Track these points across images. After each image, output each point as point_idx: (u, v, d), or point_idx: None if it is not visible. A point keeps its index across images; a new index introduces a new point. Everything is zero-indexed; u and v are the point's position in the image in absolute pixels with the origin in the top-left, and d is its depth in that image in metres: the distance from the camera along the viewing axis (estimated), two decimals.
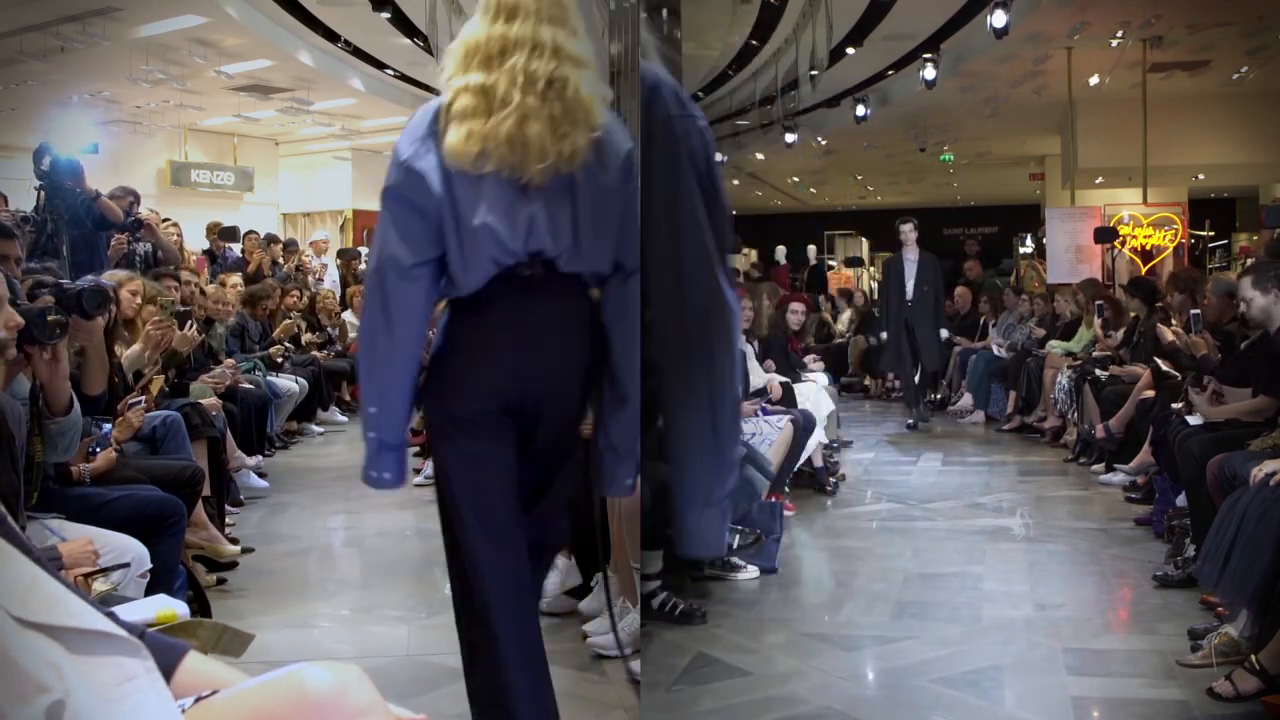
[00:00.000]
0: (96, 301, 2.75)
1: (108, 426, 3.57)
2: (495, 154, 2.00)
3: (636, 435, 2.20)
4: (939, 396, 9.37)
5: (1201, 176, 13.23)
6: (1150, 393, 5.66)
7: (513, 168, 2.01)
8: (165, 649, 1.45)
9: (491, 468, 2.11)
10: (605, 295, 2.15)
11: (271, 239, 10.16)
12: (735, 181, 17.51)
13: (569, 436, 2.24)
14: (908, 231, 8.13)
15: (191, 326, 5.00)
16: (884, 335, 8.48)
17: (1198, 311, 4.94)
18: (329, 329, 8.83)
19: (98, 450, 3.39)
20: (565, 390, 2.16)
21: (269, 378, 6.78)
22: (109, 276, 4.44)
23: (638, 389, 2.16)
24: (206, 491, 4.15)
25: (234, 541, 4.35)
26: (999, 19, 8.39)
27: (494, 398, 2.09)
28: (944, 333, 8.36)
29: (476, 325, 2.10)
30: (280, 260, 9.68)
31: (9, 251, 3.37)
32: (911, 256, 8.14)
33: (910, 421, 8.22)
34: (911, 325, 8.06)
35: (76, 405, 2.85)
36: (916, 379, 8.32)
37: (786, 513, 4.93)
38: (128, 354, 4.24)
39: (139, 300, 4.58)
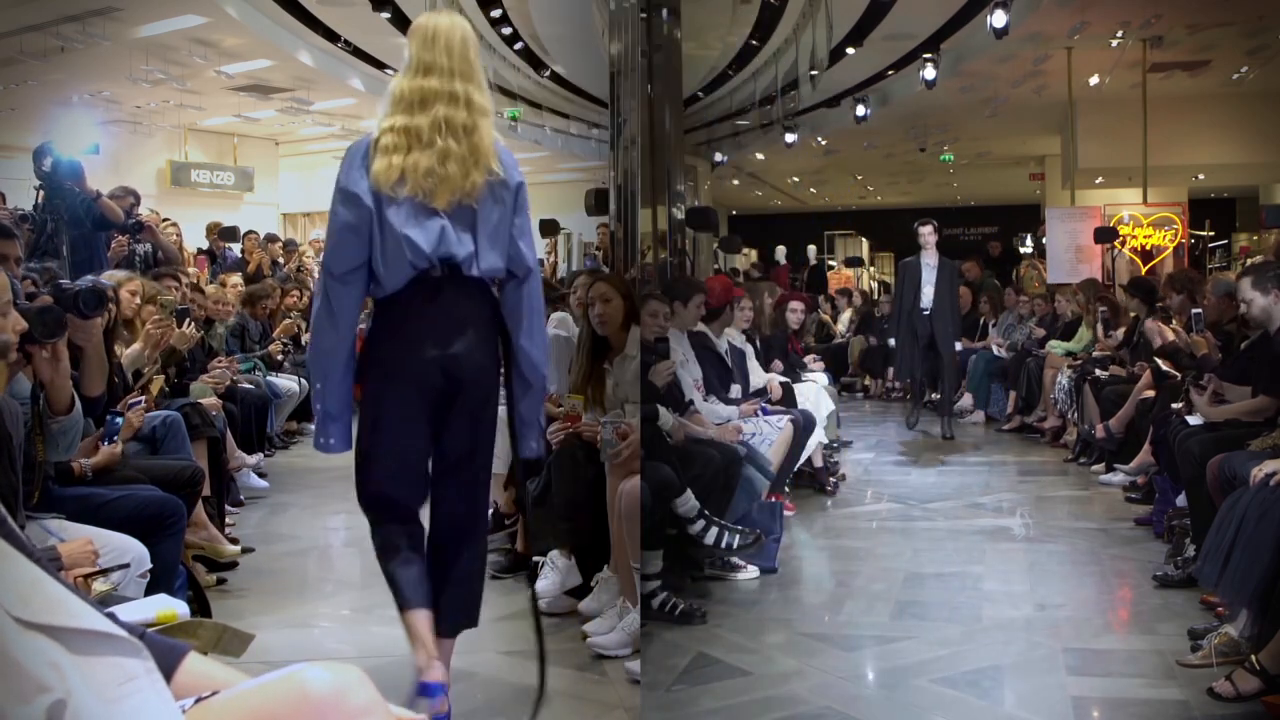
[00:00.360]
0: (93, 302, 2.74)
1: (120, 420, 3.57)
2: (412, 180, 2.49)
3: (540, 409, 2.79)
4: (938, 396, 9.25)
5: (1201, 176, 13.23)
6: (1150, 393, 5.66)
7: (426, 193, 2.50)
8: (165, 649, 1.45)
9: (416, 440, 2.63)
10: (501, 295, 2.68)
11: (271, 238, 10.16)
12: (735, 181, 17.52)
13: (489, 404, 2.69)
14: (927, 234, 7.41)
15: (190, 324, 5.03)
16: (891, 342, 7.92)
17: (1199, 311, 4.95)
18: None
19: (111, 442, 3.41)
20: (480, 364, 2.62)
21: (269, 377, 6.77)
22: (108, 277, 4.43)
23: (541, 373, 2.69)
24: (206, 491, 4.14)
25: (234, 541, 4.34)
26: (999, 19, 8.40)
27: (415, 373, 2.57)
28: (958, 345, 7.75)
29: (400, 317, 2.58)
30: (280, 260, 9.67)
31: (9, 251, 3.35)
32: (930, 261, 7.44)
33: (911, 420, 7.98)
34: (930, 335, 7.44)
35: (78, 404, 2.85)
36: (935, 394, 7.91)
37: (786, 513, 4.93)
38: (128, 353, 4.24)
39: (138, 300, 4.58)
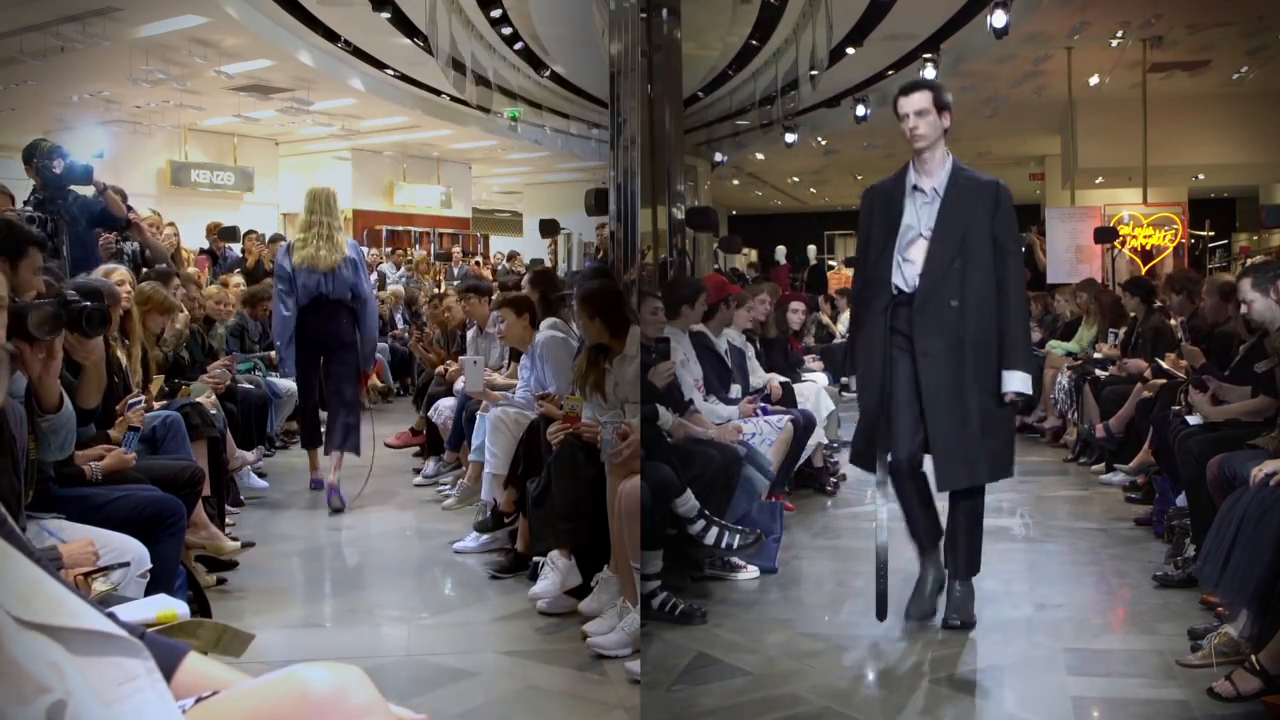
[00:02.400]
0: (97, 322, 2.73)
1: (136, 433, 3.60)
2: (308, 262, 5.31)
3: (372, 350, 5.71)
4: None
5: (1201, 176, 13.24)
6: (1148, 393, 5.66)
7: (312, 266, 5.32)
8: (165, 650, 1.45)
9: (311, 372, 5.64)
10: (354, 309, 5.51)
11: (276, 238, 10.13)
12: (735, 181, 17.52)
13: (348, 351, 5.54)
14: (913, 113, 3.44)
15: (186, 318, 5.45)
16: (853, 387, 3.70)
17: (1184, 318, 4.99)
18: None
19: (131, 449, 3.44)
20: (338, 335, 5.49)
21: (269, 378, 6.77)
22: (101, 272, 4.44)
23: (369, 334, 5.58)
24: (206, 491, 4.14)
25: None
26: (999, 19, 8.41)
27: (311, 342, 5.49)
28: (1017, 383, 3.42)
29: (306, 318, 5.43)
30: None
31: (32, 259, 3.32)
32: (929, 183, 3.48)
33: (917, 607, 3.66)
34: (915, 364, 3.45)
35: (68, 403, 2.84)
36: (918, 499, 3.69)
37: (786, 513, 4.93)
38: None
39: (126, 288, 4.58)
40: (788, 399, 5.57)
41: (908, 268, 3.50)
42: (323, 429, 5.75)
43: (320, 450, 5.75)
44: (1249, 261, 9.11)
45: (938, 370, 3.43)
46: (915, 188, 3.52)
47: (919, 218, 3.50)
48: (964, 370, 3.42)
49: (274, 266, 5.69)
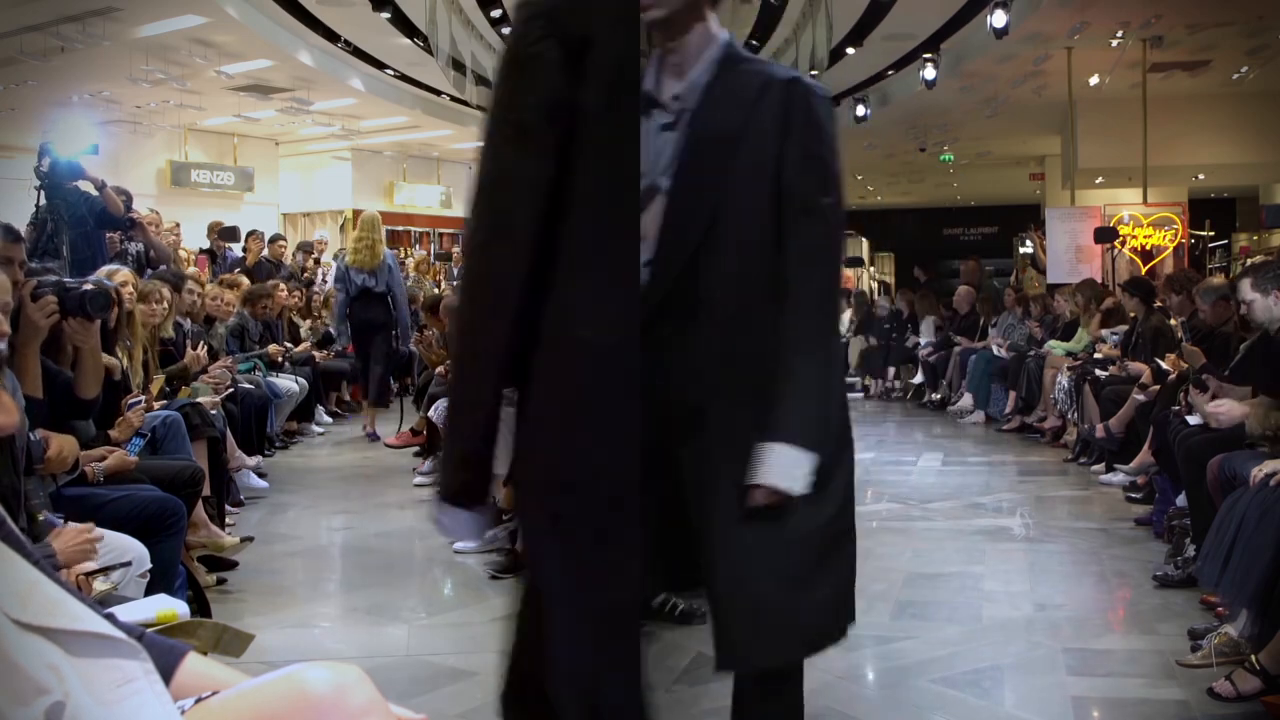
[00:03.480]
0: (101, 304, 2.73)
1: (141, 441, 3.60)
2: (358, 264, 7.38)
3: (407, 335, 7.74)
4: (938, 396, 9.25)
5: (1201, 176, 13.23)
6: (1141, 396, 5.66)
7: (361, 268, 7.37)
8: (165, 650, 1.45)
9: (366, 350, 7.71)
10: (389, 297, 7.57)
11: (276, 238, 10.13)
12: None
13: (385, 343, 7.58)
14: None
15: (202, 347, 5.41)
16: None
17: (1184, 318, 4.99)
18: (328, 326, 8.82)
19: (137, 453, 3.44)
20: (380, 321, 7.53)
21: (269, 378, 6.77)
22: (103, 273, 4.44)
23: (404, 322, 7.70)
24: (206, 491, 4.14)
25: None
26: (999, 19, 8.41)
27: (359, 324, 7.57)
28: (776, 471, 1.71)
29: (356, 305, 7.52)
30: (284, 259, 9.63)
31: (14, 255, 3.33)
32: (674, 84, 1.76)
33: None
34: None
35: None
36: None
37: None
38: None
39: (130, 289, 4.59)
40: None
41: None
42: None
43: (368, 405, 7.87)
44: (1249, 261, 9.12)
45: (705, 451, 1.79)
46: (651, 98, 1.78)
47: (655, 152, 1.75)
48: (748, 439, 1.74)
49: (334, 270, 8.60)
